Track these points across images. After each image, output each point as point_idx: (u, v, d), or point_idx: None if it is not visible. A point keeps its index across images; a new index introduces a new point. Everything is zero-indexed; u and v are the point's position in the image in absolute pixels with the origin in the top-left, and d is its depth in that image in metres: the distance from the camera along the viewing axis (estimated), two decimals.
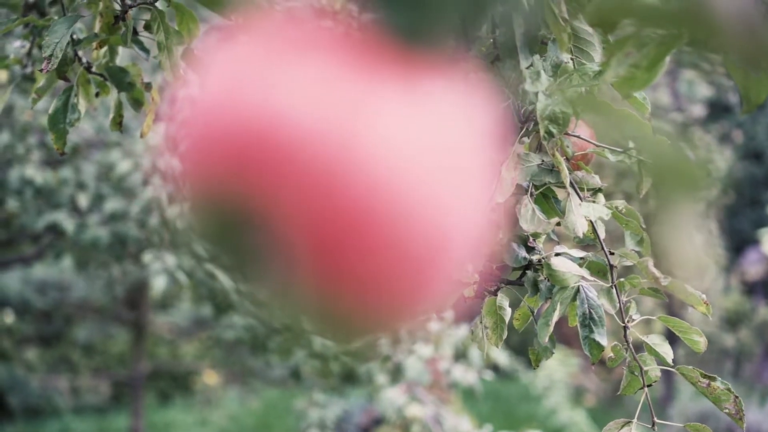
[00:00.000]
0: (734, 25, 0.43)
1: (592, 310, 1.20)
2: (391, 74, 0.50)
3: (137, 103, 1.51)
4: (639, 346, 1.28)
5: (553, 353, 1.29)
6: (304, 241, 0.50)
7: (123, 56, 1.64)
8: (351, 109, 0.48)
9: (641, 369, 1.24)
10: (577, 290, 1.19)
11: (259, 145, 0.49)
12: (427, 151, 0.49)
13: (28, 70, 1.84)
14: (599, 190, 1.10)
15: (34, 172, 4.97)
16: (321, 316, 0.54)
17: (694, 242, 0.55)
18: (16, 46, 1.85)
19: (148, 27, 1.50)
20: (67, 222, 5.14)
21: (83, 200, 5.11)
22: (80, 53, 1.57)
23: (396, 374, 4.18)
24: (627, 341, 1.24)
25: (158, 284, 4.20)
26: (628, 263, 1.12)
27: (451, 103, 0.51)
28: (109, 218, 4.95)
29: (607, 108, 0.53)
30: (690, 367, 1.25)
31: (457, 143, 0.50)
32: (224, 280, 0.59)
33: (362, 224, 0.49)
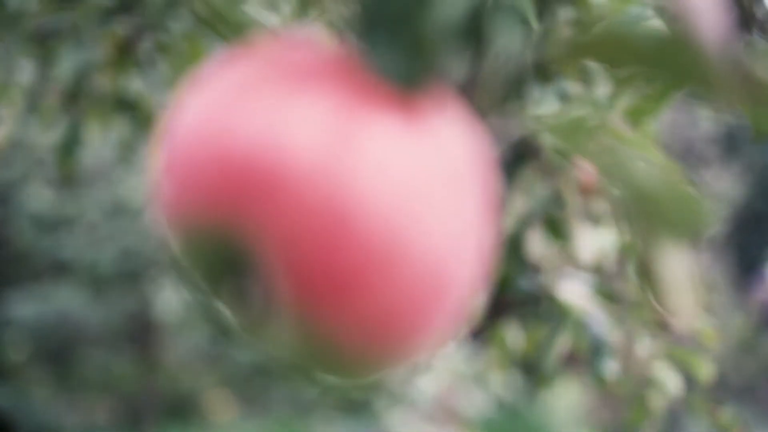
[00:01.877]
0: (724, 65, 0.44)
1: (596, 341, 1.19)
2: (388, 105, 0.49)
3: (145, 128, 1.52)
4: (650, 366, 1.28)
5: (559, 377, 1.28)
6: (297, 277, 0.49)
7: (135, 83, 1.65)
8: (347, 139, 0.48)
9: (646, 399, 1.24)
10: (581, 319, 1.19)
11: (249, 174, 0.48)
12: (427, 182, 0.48)
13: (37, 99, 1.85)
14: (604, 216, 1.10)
15: (42, 204, 4.97)
16: (318, 355, 0.53)
17: (688, 282, 0.55)
18: (26, 77, 1.86)
19: (162, 48, 1.51)
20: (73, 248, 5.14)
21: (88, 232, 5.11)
22: (90, 80, 1.58)
23: (397, 400, 4.15)
24: (632, 370, 1.24)
25: (167, 309, 4.19)
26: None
27: (451, 134, 0.51)
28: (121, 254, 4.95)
29: (609, 146, 0.54)
30: (698, 395, 1.24)
31: (458, 175, 0.50)
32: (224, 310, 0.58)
33: (361, 259, 0.48)
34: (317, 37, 0.55)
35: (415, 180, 0.49)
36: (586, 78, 0.84)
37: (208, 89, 0.52)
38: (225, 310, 0.58)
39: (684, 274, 0.54)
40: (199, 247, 0.53)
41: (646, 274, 0.55)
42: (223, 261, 0.53)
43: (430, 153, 0.49)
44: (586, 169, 1.03)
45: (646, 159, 0.52)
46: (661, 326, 1.18)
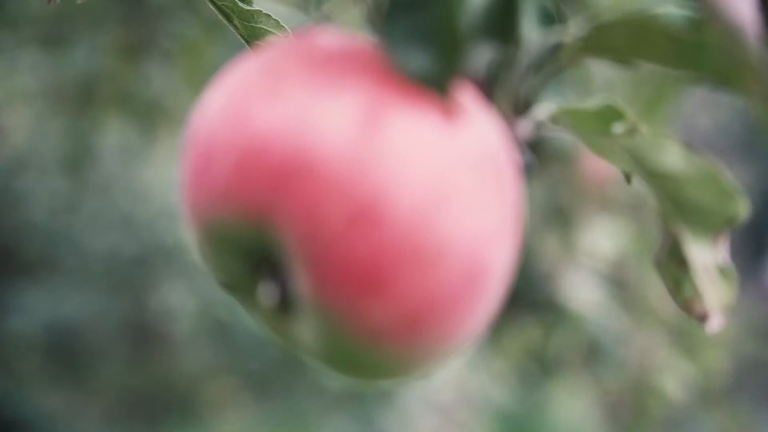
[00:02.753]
0: (760, 60, 0.43)
1: (598, 346, 1.18)
2: (417, 95, 0.49)
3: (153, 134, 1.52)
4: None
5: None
6: (326, 270, 0.48)
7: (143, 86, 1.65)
8: (378, 130, 0.47)
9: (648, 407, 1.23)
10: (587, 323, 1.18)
11: (279, 164, 0.47)
12: (460, 172, 0.48)
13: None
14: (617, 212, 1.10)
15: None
16: (346, 354, 0.52)
17: (721, 274, 0.55)
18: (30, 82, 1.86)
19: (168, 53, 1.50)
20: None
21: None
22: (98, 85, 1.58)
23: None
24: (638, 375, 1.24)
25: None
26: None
27: (479, 126, 0.50)
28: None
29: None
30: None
31: (489, 166, 0.49)
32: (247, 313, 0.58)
33: (394, 251, 0.47)
34: (345, 30, 0.54)
35: (448, 170, 0.48)
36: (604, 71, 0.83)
37: (235, 81, 0.51)
38: (246, 310, 0.57)
39: (717, 265, 0.53)
40: (225, 240, 0.52)
41: (676, 267, 0.54)
42: (248, 254, 0.52)
43: (462, 144, 0.49)
44: (598, 164, 1.03)
45: (675, 148, 0.52)
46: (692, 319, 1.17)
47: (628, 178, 0.56)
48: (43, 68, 1.80)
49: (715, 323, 0.54)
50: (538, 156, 0.58)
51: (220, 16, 1.02)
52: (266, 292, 0.52)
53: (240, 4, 0.68)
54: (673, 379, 1.29)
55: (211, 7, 1.04)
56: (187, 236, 0.58)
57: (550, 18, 0.56)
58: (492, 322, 0.54)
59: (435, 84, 0.48)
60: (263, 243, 0.51)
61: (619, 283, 1.76)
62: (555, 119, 0.57)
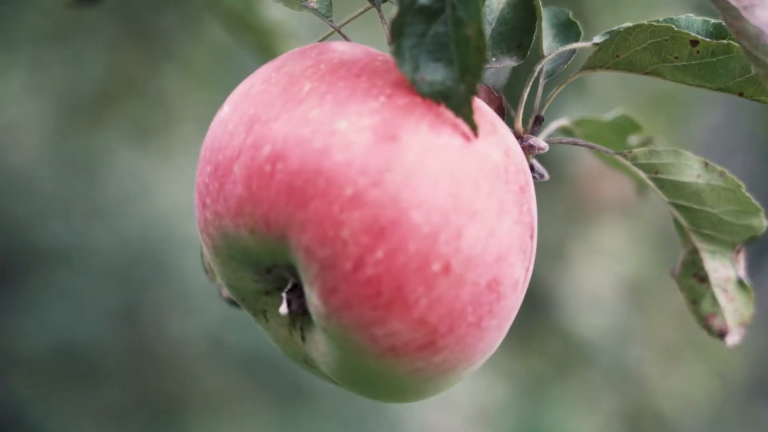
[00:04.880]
0: None
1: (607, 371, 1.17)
2: (434, 110, 0.48)
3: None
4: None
5: None
6: (341, 286, 0.47)
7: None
8: (395, 143, 0.46)
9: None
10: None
11: (296, 176, 0.47)
12: (477, 188, 0.47)
13: None
14: None
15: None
16: (361, 374, 0.51)
17: (739, 288, 0.54)
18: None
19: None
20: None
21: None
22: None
23: None
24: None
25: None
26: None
27: (496, 141, 0.49)
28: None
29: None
30: None
31: (506, 182, 0.48)
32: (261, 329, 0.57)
33: (412, 266, 0.46)
34: (360, 41, 0.54)
35: (466, 188, 0.47)
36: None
37: (250, 95, 0.51)
38: (259, 326, 0.56)
39: (736, 281, 0.53)
40: (238, 255, 0.51)
41: (695, 282, 0.53)
42: (262, 270, 0.52)
43: (479, 160, 0.48)
44: (601, 180, 1.03)
45: (699, 162, 0.51)
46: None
47: (641, 192, 0.56)
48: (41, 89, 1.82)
49: (734, 338, 0.54)
50: (552, 170, 0.57)
51: (228, 32, 1.03)
52: (279, 307, 0.51)
53: (253, 15, 0.68)
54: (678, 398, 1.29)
55: (218, 25, 1.04)
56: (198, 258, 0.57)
57: (568, 31, 0.56)
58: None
59: (451, 100, 0.47)
60: (277, 259, 0.50)
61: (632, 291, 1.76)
62: (571, 131, 0.56)
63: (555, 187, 1.77)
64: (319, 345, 0.52)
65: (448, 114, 0.48)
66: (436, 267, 0.47)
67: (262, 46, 0.91)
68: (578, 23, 0.56)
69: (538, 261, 0.53)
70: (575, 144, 0.54)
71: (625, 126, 0.55)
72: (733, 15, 0.44)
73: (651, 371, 2.02)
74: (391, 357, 0.49)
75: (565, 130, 0.57)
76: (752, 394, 2.23)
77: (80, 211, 2.16)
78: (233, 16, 0.93)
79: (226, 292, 0.59)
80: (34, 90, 2.00)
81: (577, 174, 1.81)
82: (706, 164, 0.51)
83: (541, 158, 0.55)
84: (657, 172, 0.52)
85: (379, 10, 0.55)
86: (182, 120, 2.03)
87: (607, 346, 1.93)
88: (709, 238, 0.53)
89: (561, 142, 0.54)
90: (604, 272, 1.89)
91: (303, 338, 0.53)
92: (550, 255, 1.87)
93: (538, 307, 1.89)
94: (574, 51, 0.55)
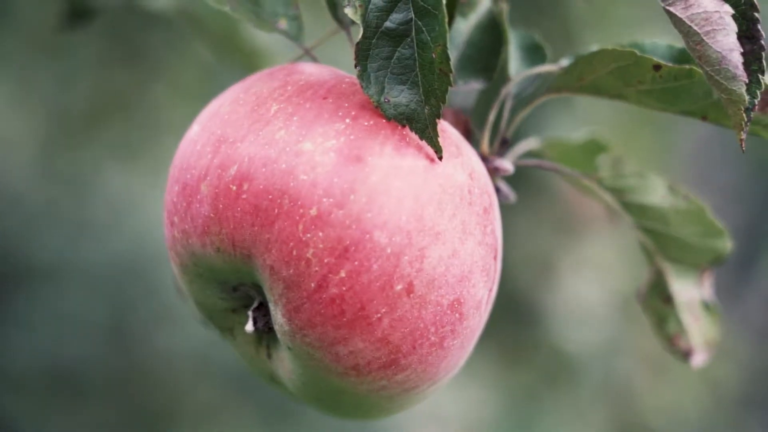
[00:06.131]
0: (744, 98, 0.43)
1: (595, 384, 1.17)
2: (398, 132, 0.48)
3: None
4: None
5: None
6: (305, 305, 0.47)
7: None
8: (359, 165, 0.47)
9: None
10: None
11: (261, 197, 0.47)
12: (439, 209, 0.47)
13: None
14: None
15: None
16: (326, 391, 0.51)
17: (706, 311, 0.55)
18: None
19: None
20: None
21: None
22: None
23: None
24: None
25: None
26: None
27: (460, 162, 0.49)
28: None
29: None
30: None
31: (469, 202, 0.49)
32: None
33: (376, 286, 0.47)
34: (327, 63, 0.54)
35: (430, 209, 0.47)
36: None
37: (217, 116, 0.51)
38: (227, 343, 0.57)
39: (701, 302, 0.53)
40: (205, 274, 0.52)
41: (660, 303, 0.54)
42: (227, 288, 0.52)
43: (444, 181, 0.48)
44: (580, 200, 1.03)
45: (665, 185, 0.52)
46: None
47: (610, 216, 0.56)
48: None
49: (699, 359, 0.54)
50: (520, 189, 0.57)
51: (214, 54, 1.03)
52: (245, 325, 0.52)
53: (239, 37, 0.68)
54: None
55: (205, 49, 1.05)
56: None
57: (535, 54, 0.56)
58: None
59: (416, 122, 0.48)
60: (243, 277, 0.51)
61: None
62: (539, 153, 0.56)
63: (542, 201, 1.77)
64: (284, 362, 0.52)
65: (413, 136, 0.48)
66: (399, 287, 0.47)
67: (248, 66, 0.91)
68: (544, 46, 0.56)
69: (527, 275, 0.53)
70: (540, 167, 0.54)
71: (593, 147, 0.56)
72: (695, 40, 0.45)
73: (640, 384, 2.02)
74: (354, 375, 0.49)
75: (533, 152, 0.57)
76: (743, 407, 2.23)
77: (68, 228, 2.16)
78: (219, 38, 0.93)
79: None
80: (23, 106, 2.01)
81: (565, 188, 1.81)
82: (671, 187, 0.52)
83: (525, 172, 0.55)
84: (623, 195, 0.52)
85: (348, 33, 0.55)
86: (170, 136, 2.03)
87: (596, 360, 1.93)
88: (674, 260, 0.53)
89: (526, 165, 0.54)
90: (593, 286, 1.89)
91: (269, 355, 0.53)
92: (538, 269, 1.87)
93: (527, 320, 1.90)
94: (540, 73, 0.55)
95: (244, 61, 0.94)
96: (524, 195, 0.54)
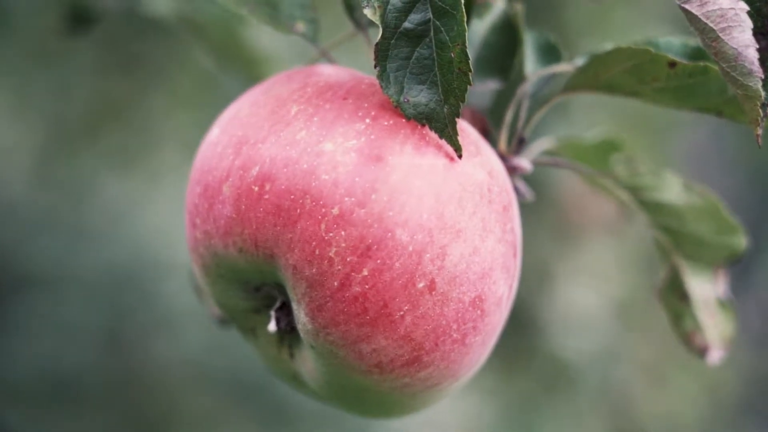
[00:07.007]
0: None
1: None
2: (419, 132, 0.49)
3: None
4: None
5: None
6: (327, 304, 0.48)
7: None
8: (379, 165, 0.47)
9: None
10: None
11: (282, 197, 0.48)
12: (460, 209, 0.48)
13: None
14: None
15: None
16: (348, 390, 0.52)
17: (721, 308, 0.55)
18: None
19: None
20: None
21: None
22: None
23: None
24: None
25: None
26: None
27: (479, 161, 0.50)
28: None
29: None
30: None
31: (488, 201, 0.49)
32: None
33: (398, 284, 0.47)
34: (346, 64, 0.54)
35: (450, 208, 0.48)
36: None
37: (238, 118, 0.51)
38: (247, 343, 0.57)
39: (717, 299, 0.54)
40: (227, 274, 0.52)
41: (676, 300, 0.54)
42: (250, 288, 0.53)
43: (463, 180, 0.48)
44: (585, 201, 1.04)
45: (680, 182, 0.52)
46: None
47: (624, 213, 0.57)
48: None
49: (715, 356, 0.54)
50: (538, 191, 0.58)
51: (215, 61, 1.03)
52: (268, 325, 0.52)
53: (240, 44, 0.69)
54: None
55: (206, 57, 1.05)
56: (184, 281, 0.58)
57: (550, 54, 0.57)
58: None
59: (436, 121, 0.48)
60: (266, 277, 0.51)
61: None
62: (555, 152, 0.57)
63: (541, 208, 1.77)
64: (307, 362, 0.52)
65: (433, 135, 0.48)
66: (421, 284, 0.47)
67: (250, 73, 0.92)
68: (559, 46, 0.57)
69: (524, 282, 0.53)
70: (556, 165, 0.55)
71: (607, 146, 0.56)
72: (711, 37, 0.45)
73: (639, 391, 2.03)
74: (377, 373, 0.49)
75: (549, 152, 0.57)
76: (741, 414, 2.23)
77: (66, 236, 2.15)
78: (219, 46, 0.94)
79: (216, 311, 0.60)
80: (20, 114, 2.01)
81: (564, 195, 1.82)
82: (686, 184, 0.52)
83: (527, 179, 0.56)
84: (639, 193, 0.53)
85: (365, 34, 0.55)
86: (167, 144, 2.03)
87: (594, 367, 1.93)
88: (690, 257, 0.53)
89: (543, 163, 0.55)
90: (591, 293, 1.89)
91: (291, 355, 0.54)
92: (536, 276, 1.88)
93: (525, 327, 1.90)
94: (555, 73, 0.56)
95: (244, 69, 0.94)
96: (522, 203, 0.54)
